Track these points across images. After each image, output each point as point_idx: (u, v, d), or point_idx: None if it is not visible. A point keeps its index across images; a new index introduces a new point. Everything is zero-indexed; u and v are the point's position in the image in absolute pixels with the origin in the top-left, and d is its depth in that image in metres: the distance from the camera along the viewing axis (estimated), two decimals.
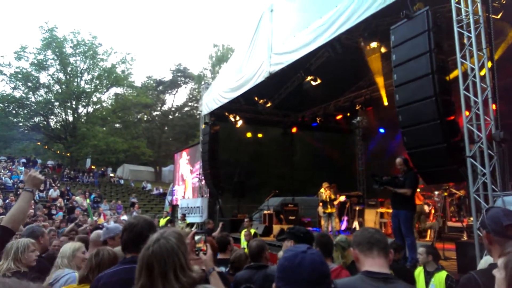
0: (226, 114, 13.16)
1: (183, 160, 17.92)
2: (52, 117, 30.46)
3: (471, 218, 6.05)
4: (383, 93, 10.98)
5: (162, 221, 12.30)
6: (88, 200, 15.79)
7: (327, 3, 7.59)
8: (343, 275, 2.83)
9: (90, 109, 31.49)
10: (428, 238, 8.35)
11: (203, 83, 16.22)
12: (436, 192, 9.04)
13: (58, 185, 21.54)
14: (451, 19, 5.48)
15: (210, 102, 12.82)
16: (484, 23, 5.16)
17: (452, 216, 8.71)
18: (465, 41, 5.28)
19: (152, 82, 39.55)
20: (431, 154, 5.39)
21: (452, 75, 5.68)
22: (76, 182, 25.04)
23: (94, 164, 33.63)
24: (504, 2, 6.07)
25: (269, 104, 12.48)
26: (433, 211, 8.92)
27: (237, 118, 13.27)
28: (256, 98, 12.16)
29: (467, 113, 5.22)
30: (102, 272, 2.14)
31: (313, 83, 10.27)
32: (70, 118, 30.14)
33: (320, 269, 1.32)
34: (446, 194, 8.32)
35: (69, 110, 30.00)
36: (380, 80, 10.68)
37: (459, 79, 5.32)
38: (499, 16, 6.02)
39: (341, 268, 3.01)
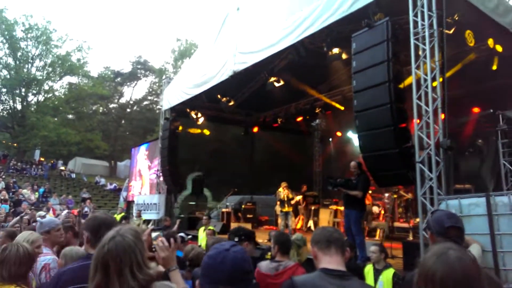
0: (188, 110, 12.96)
1: (141, 155, 17.41)
2: None
3: (417, 219, 6.47)
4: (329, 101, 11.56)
5: (117, 217, 11.89)
6: (37, 194, 14.89)
7: (293, 6, 7.75)
8: (299, 272, 2.93)
9: (41, 98, 29.66)
10: (377, 238, 8.79)
11: (164, 77, 15.84)
12: (386, 194, 9.53)
13: (3, 177, 20.09)
14: (408, 31, 5.80)
15: (171, 97, 12.56)
16: (438, 37, 5.52)
17: (400, 217, 9.22)
18: (420, 52, 5.62)
19: (109, 73, 37.94)
20: (383, 158, 5.68)
21: (407, 82, 6.02)
22: (24, 175, 23.51)
23: (43, 156, 31.69)
24: (456, 19, 6.51)
25: (231, 103, 12.46)
26: (382, 212, 9.40)
27: (199, 115, 13.11)
28: (219, 96, 12.09)
29: (418, 121, 5.56)
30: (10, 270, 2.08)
31: (276, 84, 10.40)
32: (19, 106, 28.18)
33: (242, 267, 1.34)
34: (395, 196, 8.80)
35: (17, 98, 28.04)
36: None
37: (412, 88, 5.65)
38: (451, 31, 6.45)
39: (298, 266, 3.11)
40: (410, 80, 5.79)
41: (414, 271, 1.92)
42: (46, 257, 2.97)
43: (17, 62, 27.56)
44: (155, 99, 40.00)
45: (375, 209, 9.58)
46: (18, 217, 6.08)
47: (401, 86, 5.78)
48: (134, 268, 1.46)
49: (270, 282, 2.90)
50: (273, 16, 8.31)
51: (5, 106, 28.53)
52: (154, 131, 31.45)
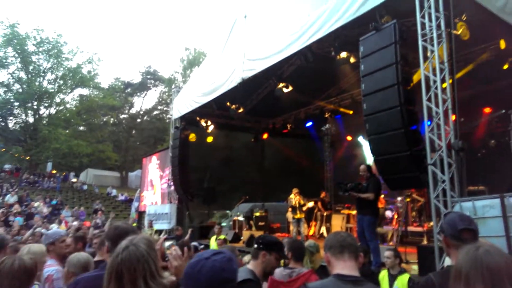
0: (198, 118, 13.05)
1: (153, 165, 17.53)
2: (11, 118, 28.88)
3: (431, 223, 6.36)
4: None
5: None
6: (50, 208, 15.08)
7: (299, 12, 7.78)
8: (312, 279, 2.90)
9: (53, 111, 30.19)
10: (391, 243, 8.65)
11: (174, 86, 16.05)
12: (399, 198, 9.40)
13: (16, 190, 20.43)
14: (416, 33, 5.77)
15: (181, 106, 12.67)
16: (446, 38, 5.48)
17: (413, 221, 9.07)
18: (429, 54, 5.58)
19: (120, 84, 38.48)
20: (395, 161, 5.63)
21: (415, 80, 5.97)
22: (36, 187, 23.85)
23: (55, 168, 32.15)
24: (464, 19, 6.46)
25: (241, 110, 12.51)
26: (396, 216, 9.25)
27: (209, 123, 13.19)
28: (228, 104, 12.16)
29: (429, 122, 5.50)
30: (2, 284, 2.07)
31: (285, 90, 10.41)
32: (31, 120, 28.75)
33: (219, 276, 1.32)
34: (408, 200, 8.67)
35: (29, 111, 28.58)
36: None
37: (421, 90, 5.60)
38: (460, 32, 6.40)
39: (311, 273, 3.08)
40: (418, 77, 5.75)
41: (428, 275, 1.90)
42: (50, 268, 3.01)
43: (29, 76, 28.13)
44: (165, 108, 40.38)
45: (388, 213, 9.45)
46: (31, 230, 6.14)
47: (410, 87, 5.73)
48: (147, 277, 1.47)
49: None
50: (280, 22, 8.35)
51: (18, 120, 29.15)
52: (165, 140, 31.67)
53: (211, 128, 13.26)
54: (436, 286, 1.80)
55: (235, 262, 1.42)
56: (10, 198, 17.88)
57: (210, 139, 13.78)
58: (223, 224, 12.35)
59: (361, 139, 12.66)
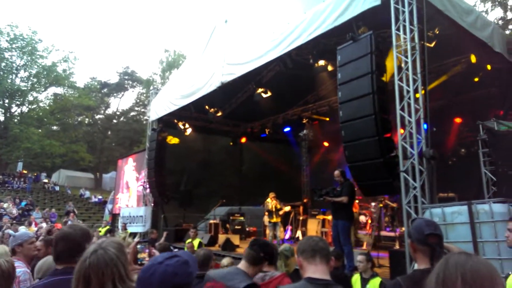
0: (175, 121, 12.93)
1: (129, 167, 17.21)
2: None
3: (403, 228, 6.55)
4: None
5: (102, 231, 11.67)
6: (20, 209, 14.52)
7: (280, 19, 7.89)
8: (285, 282, 2.93)
9: (25, 109, 29.15)
10: (364, 247, 8.85)
11: (152, 88, 15.82)
12: (373, 204, 9.63)
13: None
14: (391, 44, 5.97)
15: (159, 108, 12.53)
16: (420, 50, 5.70)
17: (386, 226, 9.31)
18: (403, 65, 5.78)
19: (96, 83, 37.61)
20: (369, 168, 5.78)
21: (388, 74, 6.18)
22: (5, 187, 22.92)
23: (26, 168, 30.99)
24: (437, 32, 6.74)
25: (219, 114, 12.50)
26: (369, 221, 9.48)
27: (186, 125, 13.09)
28: (207, 107, 12.12)
29: (402, 131, 5.69)
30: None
31: (264, 95, 10.50)
32: (1, 118, 27.73)
33: (172, 281, 1.30)
34: (381, 205, 8.90)
35: (0, 109, 27.48)
36: None
37: (395, 100, 5.79)
38: (432, 45, 6.67)
39: (284, 276, 3.10)
40: (391, 70, 5.93)
41: (396, 279, 1.97)
42: (18, 269, 2.93)
43: (1, 73, 27.10)
44: (142, 110, 39.77)
45: (362, 218, 9.67)
46: None
47: (384, 96, 5.91)
48: (116, 281, 1.46)
49: None
50: (260, 28, 8.44)
51: None
52: (141, 142, 31.19)
53: (189, 131, 13.17)
54: None
55: (191, 265, 1.40)
56: None
57: (188, 142, 13.68)
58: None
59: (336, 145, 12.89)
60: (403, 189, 5.47)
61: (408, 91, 5.66)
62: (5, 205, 17.05)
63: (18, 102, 28.39)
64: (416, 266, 2.17)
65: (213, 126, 13.91)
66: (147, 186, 13.07)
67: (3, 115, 27.77)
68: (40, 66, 28.58)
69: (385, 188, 5.98)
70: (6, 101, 27.36)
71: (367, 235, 8.97)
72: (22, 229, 9.36)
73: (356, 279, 4.80)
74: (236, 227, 11.97)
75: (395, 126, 5.80)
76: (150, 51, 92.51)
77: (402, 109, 5.70)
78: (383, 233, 9.08)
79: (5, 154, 26.01)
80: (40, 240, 3.84)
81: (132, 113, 41.50)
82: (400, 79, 5.79)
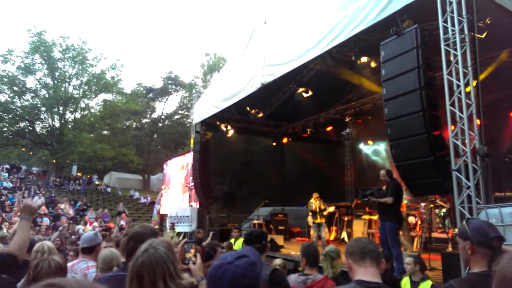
0: (218, 123, 13.21)
1: (174, 169, 17.82)
2: (38, 122, 29.88)
3: (456, 230, 6.22)
4: None
5: None
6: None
7: (319, 17, 7.80)
8: (328, 285, 2.89)
9: (78, 115, 31.07)
10: (414, 249, 8.50)
11: (194, 91, 16.29)
12: (423, 204, 9.23)
13: (43, 192, 21.16)
14: (438, 37, 5.70)
15: (201, 111, 12.87)
16: (470, 42, 5.39)
17: (437, 227, 8.89)
18: (452, 58, 5.50)
19: (142, 89, 39.33)
20: (418, 167, 5.55)
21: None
22: (62, 189, 24.61)
23: (80, 171, 33.07)
24: (488, 22, 6.33)
25: (260, 115, 12.59)
26: (419, 222, 9.09)
27: (228, 127, 13.32)
28: (248, 108, 12.26)
29: (453, 127, 5.41)
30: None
31: (305, 94, 10.43)
32: (57, 124, 29.67)
33: (240, 282, 1.30)
34: (432, 206, 8.50)
35: (56, 116, 29.51)
36: None
37: (445, 95, 5.52)
38: (483, 36, 6.28)
39: (326, 279, 3.04)
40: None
41: (449, 282, 1.88)
42: (91, 269, 3.15)
43: (55, 82, 29.08)
44: (185, 113, 40.96)
45: (411, 219, 9.28)
46: (57, 232, 6.40)
47: (433, 91, 5.66)
48: (167, 278, 1.54)
49: None
50: (300, 27, 8.40)
51: (45, 124, 30.14)
52: (186, 144, 32.12)
53: (231, 132, 13.39)
54: None
55: (258, 266, 1.42)
56: (38, 200, 18.54)
57: (230, 143, 13.92)
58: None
59: (381, 147, 12.54)
60: (456, 188, 5.20)
61: (458, 86, 5.38)
62: (62, 206, 18.31)
63: (71, 109, 30.31)
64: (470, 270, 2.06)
65: (255, 127, 14.03)
66: (192, 187, 13.46)
67: (58, 121, 29.77)
68: (90, 74, 30.32)
69: (436, 188, 5.71)
70: (61, 108, 29.29)
71: (416, 236, 8.61)
72: (79, 228, 10.03)
73: (405, 282, 4.63)
74: (280, 227, 12.00)
75: (445, 123, 5.53)
76: (191, 55, 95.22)
77: (452, 104, 5.42)
78: (434, 234, 8.67)
79: (61, 158, 27.88)
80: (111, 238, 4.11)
81: (176, 117, 42.84)
82: (449, 73, 5.51)
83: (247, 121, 13.38)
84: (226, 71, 12.17)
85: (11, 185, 21.20)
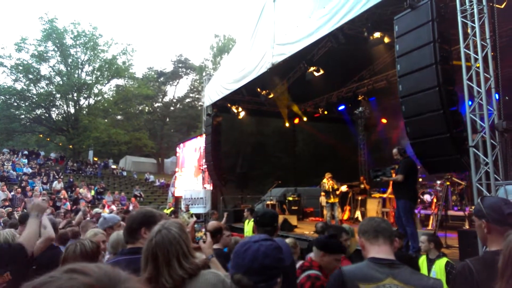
0: (229, 105, 13.18)
1: (187, 151, 17.99)
2: (53, 109, 30.33)
3: (473, 207, 6.11)
4: None
5: (167, 212, 12.43)
6: (92, 192, 15.92)
7: None
8: (343, 264, 2.90)
9: (92, 101, 31.38)
10: (430, 227, 8.44)
11: (204, 74, 16.24)
12: (438, 182, 9.10)
13: (62, 177, 21.69)
14: (455, 9, 5.46)
15: (212, 93, 12.82)
16: (488, 13, 5.15)
17: (454, 205, 8.78)
18: (469, 31, 5.28)
19: (153, 73, 39.37)
20: (434, 144, 5.44)
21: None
22: (80, 174, 25.18)
23: (96, 156, 33.71)
24: None
25: (271, 95, 12.48)
26: (435, 200, 8.99)
27: (240, 109, 13.28)
28: (258, 89, 12.16)
29: (470, 103, 5.24)
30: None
31: (316, 73, 10.25)
32: (72, 110, 30.07)
33: (262, 261, 1.34)
34: (448, 183, 8.37)
35: (70, 102, 29.88)
36: None
37: (462, 69, 5.33)
38: (503, 6, 5.99)
39: (343, 258, 3.07)
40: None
41: (465, 261, 1.85)
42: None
43: (68, 69, 29.32)
44: (196, 96, 41.00)
45: (427, 197, 9.18)
46: (80, 213, 6.56)
47: (449, 66, 5.47)
48: (180, 258, 1.59)
49: None
50: (310, 4, 8.17)
51: (60, 111, 30.60)
52: (198, 127, 32.26)
53: (242, 114, 13.35)
54: (474, 273, 1.75)
55: (283, 252, 1.45)
56: (57, 185, 19.03)
57: (241, 125, 13.89)
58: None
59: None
60: (473, 165, 5.09)
61: (476, 59, 5.18)
62: (81, 190, 18.77)
63: (85, 95, 30.61)
64: (487, 249, 2.02)
65: (266, 108, 13.94)
66: (205, 169, 13.58)
67: (73, 107, 30.15)
68: (102, 60, 30.41)
69: (453, 164, 5.60)
70: (75, 94, 29.61)
71: (432, 214, 8.53)
72: (96, 211, 10.26)
73: (422, 260, 4.62)
74: (293, 207, 12.05)
75: (462, 98, 5.36)
76: (201, 37, 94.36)
77: (470, 78, 5.24)
78: (451, 212, 8.57)
79: (77, 143, 28.40)
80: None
81: (188, 100, 42.94)
82: (467, 46, 5.30)
83: (258, 102, 13.30)
84: (235, 52, 12.03)
85: (30, 171, 21.78)
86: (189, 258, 1.62)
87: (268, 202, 11.98)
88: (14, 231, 3.06)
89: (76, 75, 29.44)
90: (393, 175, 6.49)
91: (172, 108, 42.88)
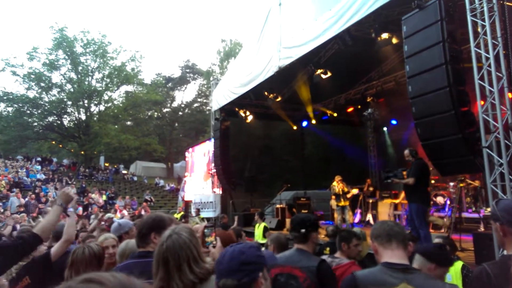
0: (236, 109, 13.19)
1: (196, 156, 18.04)
2: (65, 116, 30.78)
3: (488, 209, 5.99)
4: None
5: (177, 216, 12.47)
6: (104, 197, 16.04)
7: None
8: (352, 270, 2.84)
9: (102, 108, 31.78)
10: (443, 230, 8.29)
11: (212, 78, 16.32)
12: (451, 183, 8.95)
13: (74, 182, 21.94)
14: (464, 8, 5.39)
15: (219, 97, 12.86)
16: (499, 11, 5.06)
17: (468, 207, 8.62)
18: (479, 29, 5.19)
19: (161, 79, 39.74)
20: (446, 145, 5.35)
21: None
22: (91, 180, 25.44)
23: (107, 161, 34.05)
24: None
25: (279, 99, 12.46)
26: (448, 202, 8.84)
27: (247, 113, 13.29)
28: (266, 93, 12.15)
29: (482, 102, 5.15)
30: (78, 270, 2.26)
31: (323, 76, 10.20)
32: (83, 117, 30.49)
33: (238, 258, 1.37)
34: (462, 185, 8.22)
35: (81, 109, 30.31)
36: None
37: (473, 69, 5.24)
38: None
39: (352, 264, 3.01)
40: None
41: (482, 265, 1.79)
42: None
43: (79, 76, 29.77)
44: (204, 100, 41.20)
45: (440, 199, 9.03)
46: (96, 220, 6.60)
47: (459, 65, 5.38)
48: (191, 262, 1.60)
49: None
50: (316, 7, 8.16)
51: (72, 118, 31.06)
52: (206, 131, 32.40)
53: (250, 118, 13.35)
54: (492, 278, 1.70)
55: (261, 251, 1.47)
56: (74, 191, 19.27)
57: (249, 129, 13.91)
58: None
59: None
60: (487, 166, 4.98)
61: (487, 58, 5.09)
62: (93, 196, 18.96)
63: (95, 102, 31.03)
64: (505, 252, 1.96)
65: (273, 112, 13.92)
66: (214, 173, 13.59)
67: (84, 114, 30.59)
68: (111, 67, 30.81)
69: (466, 166, 5.49)
70: (86, 101, 30.03)
71: (445, 217, 8.38)
72: (109, 216, 10.34)
73: None
74: (303, 211, 11.96)
75: (474, 98, 5.27)
76: (208, 42, 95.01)
77: (481, 78, 5.15)
78: (465, 214, 8.41)
79: (88, 149, 28.77)
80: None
81: (196, 105, 43.16)
82: (477, 45, 5.22)
83: (265, 106, 13.29)
84: (242, 56, 12.06)
85: (44, 177, 22.09)
86: (200, 263, 1.63)
87: (278, 206, 11.93)
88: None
89: (86, 83, 29.86)
90: (405, 177, 6.40)
91: (180, 113, 43.15)
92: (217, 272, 1.41)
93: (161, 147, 34.46)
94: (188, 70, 43.21)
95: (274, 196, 13.35)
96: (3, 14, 77.11)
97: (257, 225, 8.89)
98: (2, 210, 13.41)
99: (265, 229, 8.37)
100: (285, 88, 12.27)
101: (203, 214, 13.32)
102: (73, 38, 28.91)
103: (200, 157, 17.45)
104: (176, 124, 42.71)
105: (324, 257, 3.13)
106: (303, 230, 2.51)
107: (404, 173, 6.51)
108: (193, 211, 14.54)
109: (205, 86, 40.67)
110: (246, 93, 11.35)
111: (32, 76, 27.79)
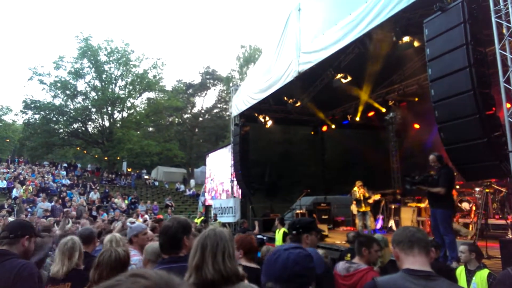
0: (256, 114, 13.25)
1: (216, 161, 18.19)
2: (89, 123, 31.72)
3: None
4: None
5: (198, 221, 12.59)
6: (126, 202, 16.37)
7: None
8: (370, 276, 2.80)
9: (125, 114, 32.58)
10: (469, 237, 8.04)
11: (231, 84, 16.48)
12: (477, 189, 8.67)
13: (98, 188, 22.52)
14: (488, 9, 5.27)
15: (239, 103, 12.96)
16: None
17: (495, 213, 8.33)
18: (504, 31, 5.06)
19: (182, 85, 40.44)
20: (470, 149, 5.21)
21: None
22: (114, 185, 26.03)
23: (130, 167, 34.78)
24: None
25: (298, 104, 12.45)
26: (474, 208, 8.57)
27: (267, 118, 13.32)
28: (285, 98, 12.17)
29: (509, 105, 5.00)
30: (102, 272, 2.34)
31: (343, 80, 10.14)
32: (107, 124, 31.32)
33: (292, 269, 1.36)
34: (488, 190, 7.96)
35: (105, 116, 31.15)
36: None
37: (498, 71, 5.11)
38: None
39: (370, 270, 2.98)
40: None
41: (506, 269, 1.75)
42: (133, 258, 3.30)
43: (103, 84, 30.67)
44: (224, 106, 41.58)
45: (465, 205, 8.76)
46: (120, 225, 6.79)
47: (483, 68, 5.25)
48: (225, 255, 1.68)
49: (341, 283, 2.91)
50: (335, 11, 8.14)
51: (96, 124, 31.98)
52: (226, 137, 32.65)
53: (269, 123, 13.37)
54: None
55: (314, 261, 1.46)
56: (93, 195, 19.79)
57: (269, 134, 13.94)
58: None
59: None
60: None
61: None
62: (116, 200, 19.40)
63: (119, 109, 31.85)
64: None
65: (293, 116, 13.91)
66: (234, 178, 13.67)
67: (107, 121, 31.45)
68: (134, 75, 31.60)
69: (491, 171, 5.34)
70: (109, 108, 30.88)
71: (471, 223, 8.12)
72: (131, 220, 10.56)
73: (460, 271, 4.40)
74: (323, 216, 11.87)
75: (499, 101, 5.12)
76: (227, 48, 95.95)
77: (507, 81, 5.01)
78: (491, 221, 8.12)
79: (112, 155, 29.50)
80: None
81: (216, 110, 43.62)
82: (502, 47, 5.08)
83: (285, 111, 13.30)
84: (261, 62, 12.13)
85: (69, 182, 22.78)
86: (233, 261, 1.71)
87: (298, 211, 11.87)
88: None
89: (110, 90, 30.70)
90: None
91: (200, 118, 43.69)
92: (266, 272, 1.42)
93: (182, 153, 34.91)
94: (208, 77, 43.78)
95: (294, 202, 13.28)
96: (31, 25, 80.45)
97: (277, 230, 8.88)
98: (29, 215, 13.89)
99: (285, 234, 8.33)
100: (304, 93, 12.26)
101: (222, 219, 13.39)
102: (97, 47, 29.85)
103: (220, 162, 17.58)
104: (197, 130, 43.26)
105: (342, 262, 3.11)
106: (294, 232, 2.73)
107: (432, 172, 6.32)
108: (212, 216, 14.66)
109: (225, 92, 41.07)
110: (265, 98, 11.40)
111: (58, 84, 28.81)
